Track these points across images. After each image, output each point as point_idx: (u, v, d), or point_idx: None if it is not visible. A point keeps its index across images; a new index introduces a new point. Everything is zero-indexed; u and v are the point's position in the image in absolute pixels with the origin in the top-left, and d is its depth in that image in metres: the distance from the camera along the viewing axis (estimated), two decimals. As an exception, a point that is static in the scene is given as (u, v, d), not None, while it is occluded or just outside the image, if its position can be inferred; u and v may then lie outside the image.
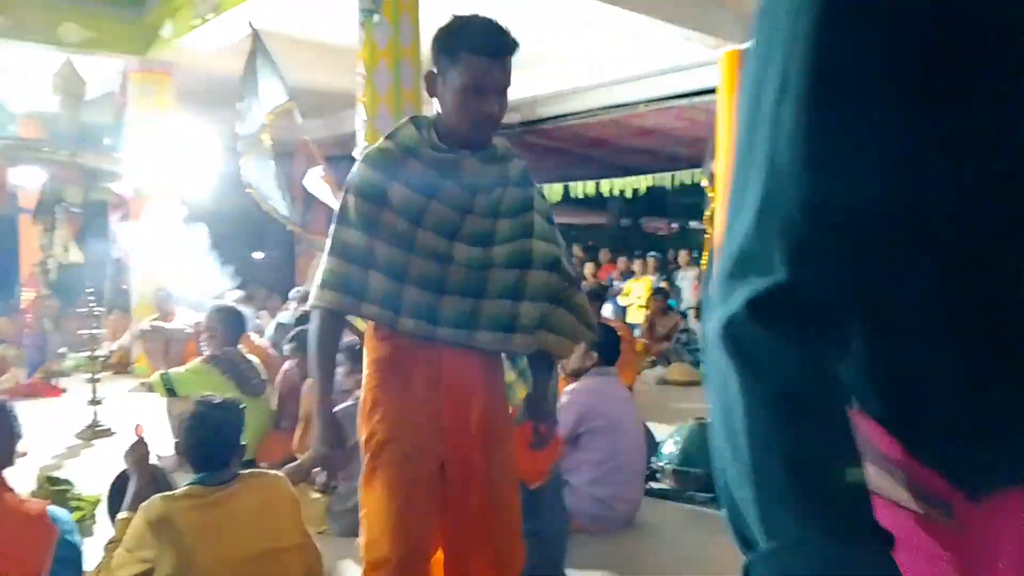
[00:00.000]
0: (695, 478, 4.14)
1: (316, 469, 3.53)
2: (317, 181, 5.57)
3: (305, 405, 4.22)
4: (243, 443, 2.47)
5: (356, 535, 2.95)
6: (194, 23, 7.59)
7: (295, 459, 3.93)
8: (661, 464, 4.30)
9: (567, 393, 3.75)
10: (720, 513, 2.96)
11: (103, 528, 3.40)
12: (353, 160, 5.20)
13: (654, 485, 4.23)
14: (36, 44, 8.05)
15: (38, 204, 7.05)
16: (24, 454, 5.07)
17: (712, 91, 9.06)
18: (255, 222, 13.80)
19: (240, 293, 8.08)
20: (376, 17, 4.77)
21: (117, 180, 7.38)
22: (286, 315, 6.97)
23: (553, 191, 12.28)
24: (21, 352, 7.73)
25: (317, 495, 3.52)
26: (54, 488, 3.61)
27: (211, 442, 2.37)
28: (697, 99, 9.97)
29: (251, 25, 5.81)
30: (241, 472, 2.44)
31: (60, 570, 2.14)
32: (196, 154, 8.77)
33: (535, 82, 10.50)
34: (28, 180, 7.40)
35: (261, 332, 6.96)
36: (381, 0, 4.97)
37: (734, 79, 8.55)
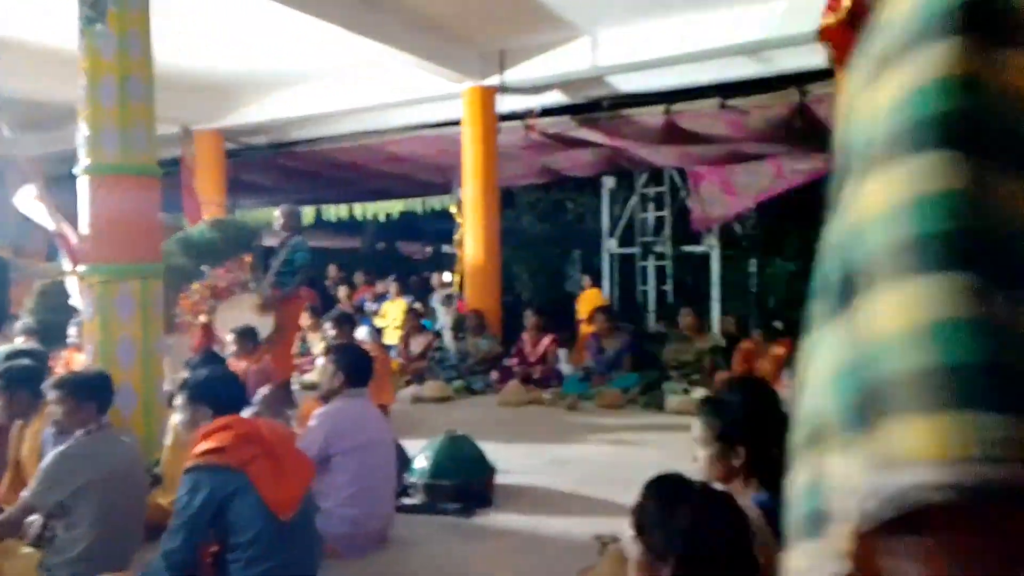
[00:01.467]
0: (446, 490, 4.18)
1: (29, 519, 3.08)
2: (30, 200, 4.93)
3: (14, 450, 3.68)
4: None
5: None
6: None
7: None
8: (413, 480, 4.29)
9: (315, 416, 3.63)
10: (470, 521, 3.01)
11: None
12: (74, 178, 4.69)
13: (406, 501, 4.21)
14: None
15: None
16: None
17: (458, 122, 9.36)
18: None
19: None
20: (99, 27, 4.32)
21: None
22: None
23: (306, 214, 11.90)
24: None
25: (28, 550, 3.06)
26: None
27: None
28: (443, 130, 10.23)
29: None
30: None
31: None
32: None
33: (286, 105, 10.17)
34: None
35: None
36: (105, 9, 4.51)
37: (475, 112, 8.89)
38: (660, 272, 12.67)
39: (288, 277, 6.96)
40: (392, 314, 10.22)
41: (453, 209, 9.31)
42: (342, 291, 11.29)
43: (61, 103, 8.49)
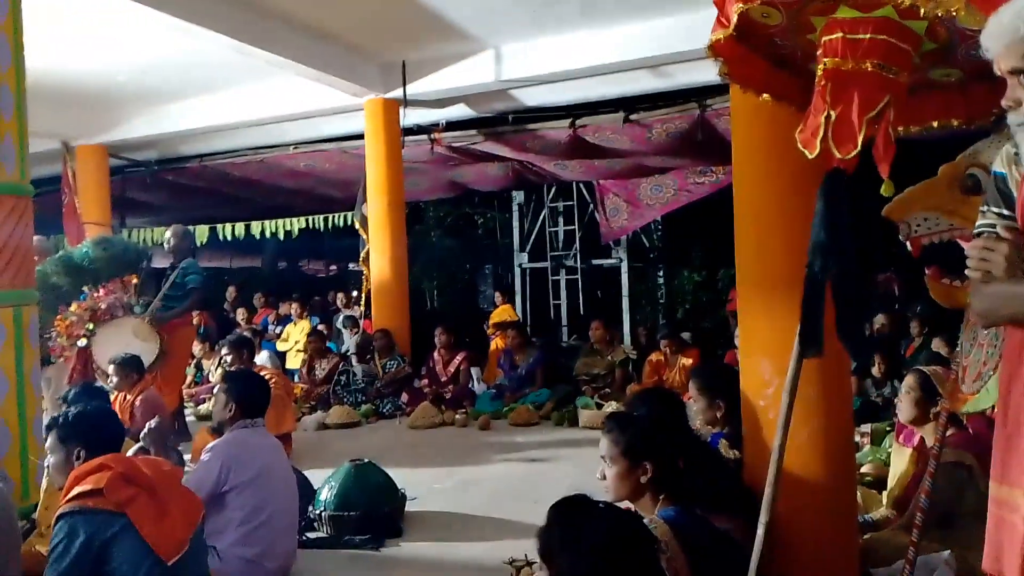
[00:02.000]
0: (353, 521, 4.07)
1: None
2: None
3: None
4: None
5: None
6: None
7: None
8: (318, 512, 4.16)
9: (207, 450, 3.46)
10: (378, 552, 2.92)
11: None
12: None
13: (310, 535, 4.07)
14: None
15: None
16: None
17: (361, 136, 9.23)
18: None
19: None
20: (-41, 33, 4.04)
21: None
22: None
23: (199, 231, 11.49)
24: None
25: None
26: None
27: None
28: (346, 143, 10.08)
29: None
30: None
31: None
32: None
33: (177, 118, 9.80)
34: None
35: None
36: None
37: (378, 125, 8.80)
38: (572, 285, 12.83)
39: (177, 301, 6.70)
40: (295, 336, 9.96)
41: (358, 225, 9.15)
42: (240, 313, 10.93)
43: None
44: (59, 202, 9.45)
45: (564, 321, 12.78)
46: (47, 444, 2.69)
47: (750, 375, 3.13)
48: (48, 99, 8.04)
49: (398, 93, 8.63)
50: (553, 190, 12.63)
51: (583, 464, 5.10)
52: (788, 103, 2.52)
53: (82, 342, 6.45)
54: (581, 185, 12.13)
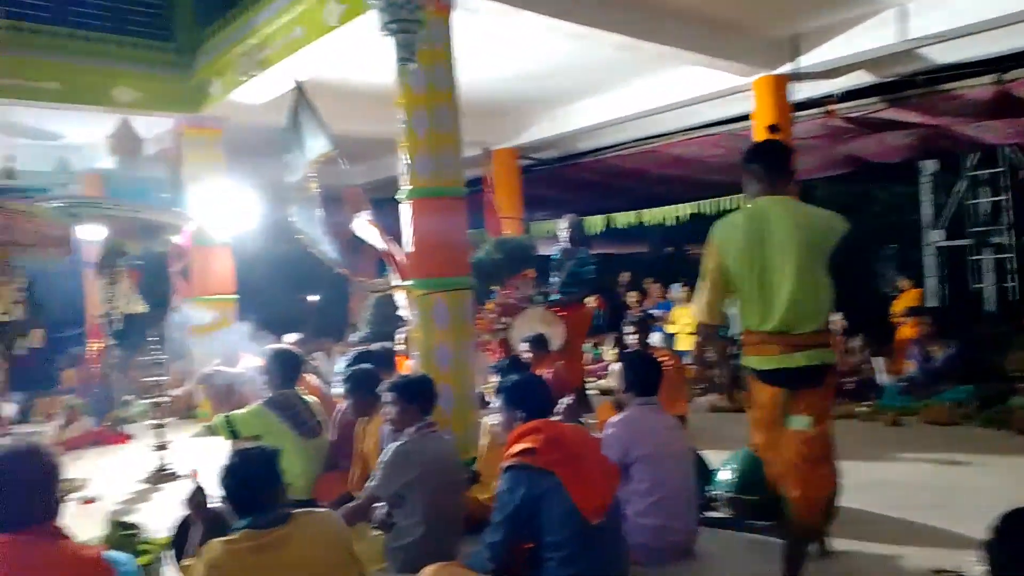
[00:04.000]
0: (753, 505, 4.05)
1: (375, 506, 3.54)
2: (364, 225, 5.69)
3: (359, 444, 4.26)
4: (283, 484, 2.49)
5: (415, 571, 2.97)
6: (241, 79, 7.86)
7: (351, 498, 3.96)
8: (717, 492, 4.22)
9: (610, 424, 3.71)
10: (780, 541, 2.88)
11: (172, 571, 3.46)
12: (396, 203, 5.32)
13: (711, 514, 4.14)
14: (92, 107, 8.42)
15: (101, 258, 7.28)
16: (94, 500, 5.22)
17: (746, 117, 9.03)
18: (307, 267, 14.10)
19: (297, 335, 8.22)
20: (412, 65, 4.88)
21: (174, 232, 7.60)
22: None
23: (594, 223, 12.28)
24: (88, 401, 7.96)
25: (375, 532, 3.53)
26: (123, 532, 3.69)
27: (247, 488, 2.42)
28: (733, 126, 9.94)
29: (295, 81, 6.00)
30: (292, 512, 2.46)
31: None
32: (247, 204, 9.03)
33: (574, 118, 10.60)
34: (90, 235, 7.66)
35: (317, 373, 7.06)
36: (416, 49, 5.06)
37: (767, 104, 8.51)
38: (999, 265, 11.07)
39: (574, 288, 7.26)
40: (683, 320, 10.13)
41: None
42: (632, 297, 11.44)
43: (380, 136, 9.71)
44: (480, 200, 10.85)
45: (990, 307, 11.08)
46: (494, 406, 3.13)
47: None
48: (472, 111, 9.26)
49: (787, 68, 8.27)
50: (976, 158, 10.99)
51: (1017, 473, 4.42)
52: None
53: (500, 335, 7.34)
54: (1006, 149, 10.36)
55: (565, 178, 12.70)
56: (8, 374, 6.70)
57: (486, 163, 10.46)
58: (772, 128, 7.64)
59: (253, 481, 2.38)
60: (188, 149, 8.98)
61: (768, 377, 3.06)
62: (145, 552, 3.51)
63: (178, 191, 8.85)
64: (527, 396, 3.01)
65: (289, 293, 15.79)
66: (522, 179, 11.95)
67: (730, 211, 11.40)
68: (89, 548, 2.12)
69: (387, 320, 7.60)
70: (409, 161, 5.28)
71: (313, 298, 16.59)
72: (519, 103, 10.30)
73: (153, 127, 9.00)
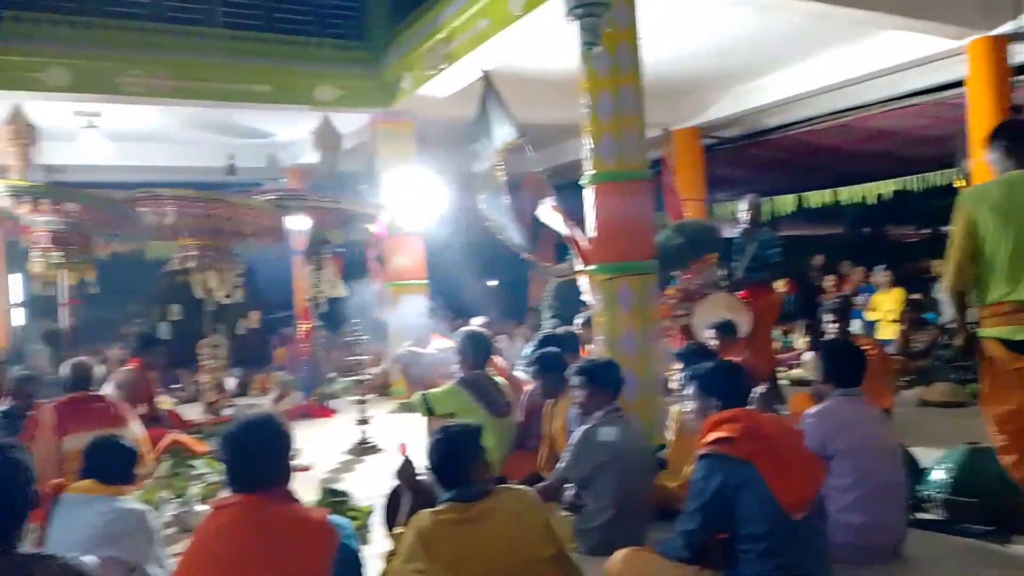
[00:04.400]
0: (969, 508, 3.72)
1: (564, 487, 3.61)
2: (548, 211, 5.78)
3: (547, 425, 4.35)
4: (486, 460, 2.61)
5: (604, 553, 3.00)
6: (429, 74, 8.21)
7: (540, 477, 4.06)
8: (929, 492, 3.91)
9: (808, 415, 3.53)
10: (1003, 548, 2.63)
11: (377, 536, 3.72)
12: (576, 188, 5.35)
13: (921, 516, 3.85)
14: (296, 106, 9.15)
15: (307, 246, 7.91)
16: (307, 468, 5.71)
17: (956, 84, 8.21)
18: (488, 252, 14.56)
19: (483, 319, 8.52)
20: (597, 49, 4.86)
21: (371, 221, 8.10)
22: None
23: (784, 203, 11.70)
24: (298, 377, 8.71)
25: (565, 513, 3.60)
26: (333, 499, 4.00)
27: (452, 462, 2.55)
28: (940, 94, 9.08)
29: (482, 70, 6.17)
30: (493, 487, 2.57)
31: (342, 570, 2.35)
32: (436, 193, 9.46)
33: (757, 94, 10.14)
34: (298, 225, 8.33)
35: (501, 355, 7.28)
36: (600, 32, 5.04)
37: (981, 68, 7.69)
38: None
39: (757, 272, 6.93)
40: (886, 306, 9.43)
41: (960, 183, 8.19)
42: (828, 281, 10.79)
43: (560, 122, 9.79)
44: (660, 183, 10.66)
45: None
46: (686, 392, 3.09)
47: None
48: (652, 91, 9.10)
49: (1008, 27, 7.43)
50: None
51: None
52: None
53: (682, 321, 7.18)
54: None
55: (750, 157, 12.18)
56: (230, 351, 7.47)
57: (666, 144, 10.27)
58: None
59: (458, 456, 2.51)
60: (381, 142, 9.53)
61: (1019, 347, 3.08)
62: (354, 518, 3.78)
63: (373, 183, 9.43)
64: (722, 384, 2.94)
65: (473, 278, 16.39)
66: (704, 159, 11.60)
67: (941, 187, 10.49)
68: (316, 511, 2.33)
69: (567, 304, 7.69)
70: (593, 145, 5.28)
71: (492, 283, 17.11)
72: (701, 80, 9.99)
73: (350, 123, 9.62)
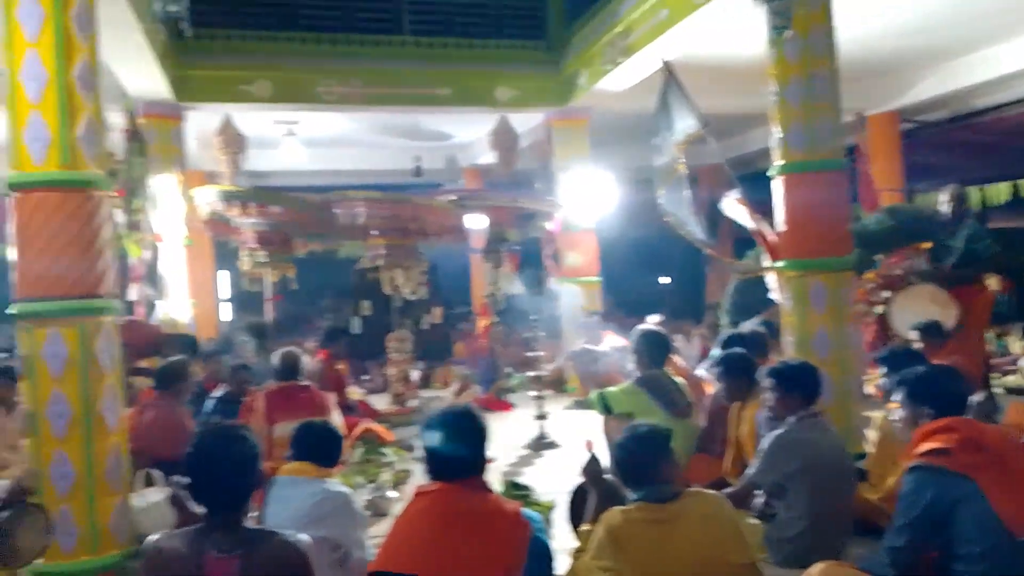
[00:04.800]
0: None
1: (753, 494, 3.49)
2: (733, 204, 5.60)
3: (733, 429, 4.22)
4: (675, 462, 2.59)
5: (797, 566, 2.87)
6: (606, 68, 8.21)
7: (725, 482, 3.94)
8: None
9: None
10: None
11: (558, 531, 3.78)
12: (767, 178, 5.15)
13: None
14: (476, 107, 9.44)
15: (486, 244, 8.17)
16: (491, 460, 5.90)
17: None
18: (662, 248, 14.36)
19: (657, 317, 8.42)
20: (788, 32, 4.65)
21: (547, 219, 8.23)
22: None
23: (997, 192, 10.63)
24: (476, 371, 9.00)
25: (754, 521, 3.48)
26: (516, 492, 4.11)
27: (642, 462, 2.55)
28: None
29: (663, 60, 6.08)
30: (684, 489, 2.54)
31: (534, 563, 2.41)
32: (609, 189, 9.46)
33: (965, 73, 9.26)
34: (476, 224, 8.62)
35: (677, 354, 7.15)
36: (791, 15, 4.82)
37: None
38: None
39: (967, 267, 6.37)
40: None
41: None
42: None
43: (732, 113, 9.45)
44: (853, 171, 10.01)
45: None
46: (895, 398, 2.89)
47: None
48: (844, 75, 8.56)
49: None
50: None
51: None
52: None
53: (878, 308, 6.72)
54: None
55: (956, 141, 11.15)
56: (414, 345, 7.86)
57: (859, 131, 9.62)
58: None
59: (648, 456, 2.51)
60: (557, 140, 9.64)
61: None
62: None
63: (548, 181, 9.57)
64: (936, 390, 2.72)
65: (645, 275, 16.21)
66: (902, 145, 10.76)
67: None
68: (510, 503, 2.40)
69: (750, 302, 7.43)
70: (781, 134, 5.07)
71: (665, 280, 16.83)
72: (901, 61, 9.25)
73: (526, 122, 9.81)
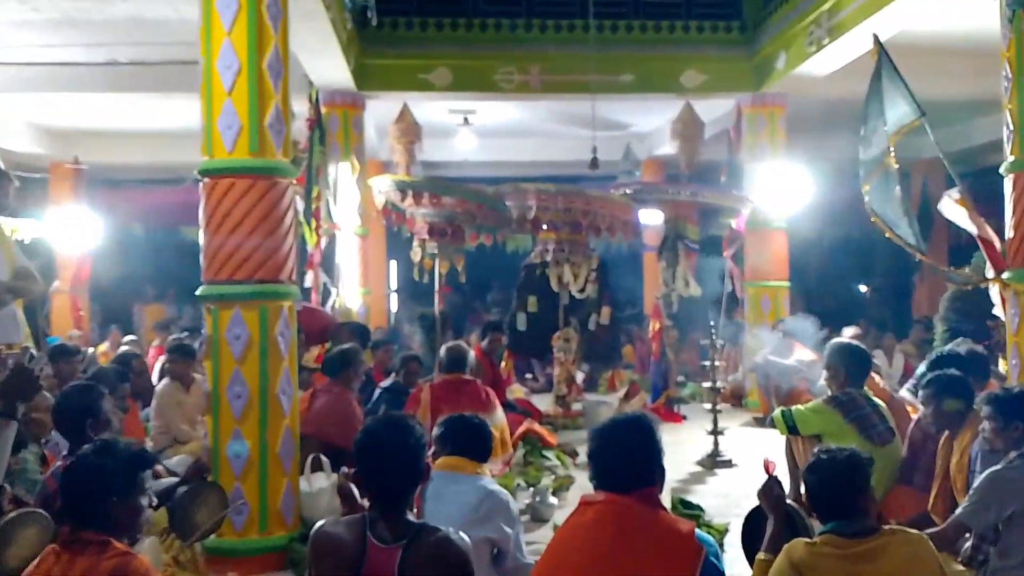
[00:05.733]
0: None
1: (962, 537, 3.24)
2: (951, 205, 5.19)
3: (941, 461, 3.91)
4: (872, 494, 2.46)
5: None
6: (809, 51, 7.82)
7: (929, 520, 3.67)
8: None
9: None
10: None
11: (732, 558, 3.66)
12: (996, 176, 4.72)
13: None
14: (660, 94, 9.31)
15: (662, 242, 8.06)
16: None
17: None
18: (863, 252, 13.53)
19: (854, 329, 7.96)
20: (1029, 9, 4.24)
21: (732, 216, 7.99)
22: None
23: None
24: (646, 377, 8.90)
25: (960, 568, 3.22)
26: (686, 511, 4.03)
27: (836, 491, 2.42)
28: None
29: (876, 39, 5.69)
30: (884, 527, 2.39)
31: (706, 587, 2.33)
32: (806, 184, 9.02)
33: None
34: (650, 219, 8.51)
35: (877, 372, 6.73)
36: (1034, -13, 4.39)
37: None
38: None
39: None
40: None
41: None
42: None
43: (953, 99, 8.70)
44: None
45: None
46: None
47: None
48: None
49: None
50: None
51: None
52: None
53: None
54: None
55: None
56: (580, 346, 7.90)
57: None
58: None
59: (842, 484, 2.39)
60: (748, 129, 9.32)
61: None
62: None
63: (735, 174, 9.26)
64: None
65: (843, 281, 15.35)
66: None
67: None
68: (684, 523, 2.36)
69: (968, 316, 6.88)
70: (1013, 126, 4.63)
71: (864, 288, 15.87)
72: None
73: (713, 110, 9.56)
